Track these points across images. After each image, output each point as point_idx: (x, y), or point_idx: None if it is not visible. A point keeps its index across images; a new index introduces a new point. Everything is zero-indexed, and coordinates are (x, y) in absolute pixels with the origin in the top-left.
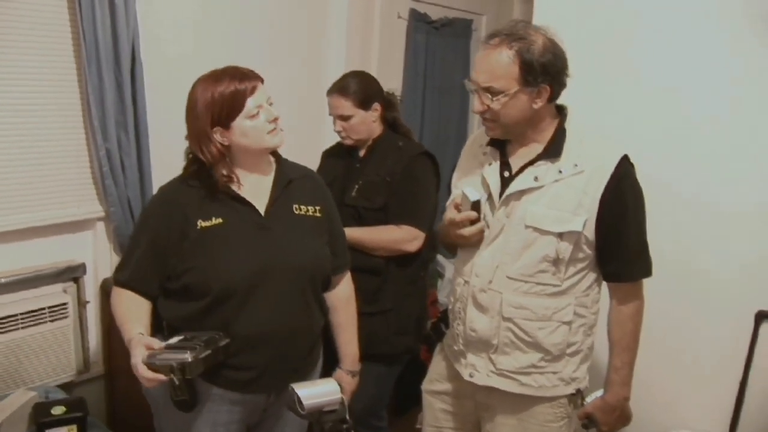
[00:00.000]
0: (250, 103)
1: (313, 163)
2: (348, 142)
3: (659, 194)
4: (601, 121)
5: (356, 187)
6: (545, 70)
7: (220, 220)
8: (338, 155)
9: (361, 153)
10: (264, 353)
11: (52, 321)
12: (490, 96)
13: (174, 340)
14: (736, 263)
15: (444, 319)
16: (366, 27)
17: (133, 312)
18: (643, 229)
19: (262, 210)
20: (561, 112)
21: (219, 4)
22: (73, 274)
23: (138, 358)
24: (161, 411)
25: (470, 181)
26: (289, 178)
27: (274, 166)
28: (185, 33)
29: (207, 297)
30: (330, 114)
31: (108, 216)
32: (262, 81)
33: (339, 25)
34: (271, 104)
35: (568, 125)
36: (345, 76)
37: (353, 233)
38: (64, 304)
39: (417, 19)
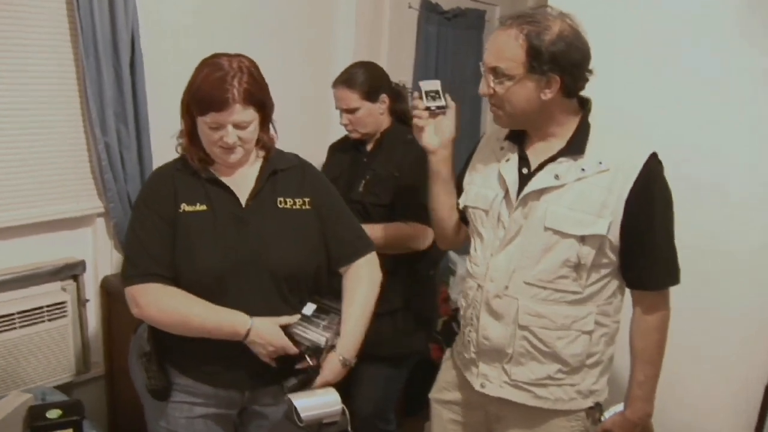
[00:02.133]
0: (212, 117)
1: (320, 157)
2: (355, 135)
3: (681, 188)
4: (618, 112)
5: (363, 182)
6: (554, 59)
7: (204, 208)
8: (345, 149)
9: (369, 147)
10: (230, 349)
11: (50, 320)
12: (494, 78)
13: (309, 309)
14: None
15: (456, 317)
16: (375, 17)
17: (201, 300)
18: (671, 234)
19: (243, 201)
20: (584, 106)
21: None
22: (72, 271)
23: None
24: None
25: (486, 177)
26: (274, 169)
27: (260, 158)
28: (187, 22)
29: (181, 284)
30: (336, 107)
31: (108, 212)
32: (245, 103)
33: (347, 15)
34: (242, 128)
35: (593, 120)
36: (351, 67)
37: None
38: (63, 302)
39: (428, 10)
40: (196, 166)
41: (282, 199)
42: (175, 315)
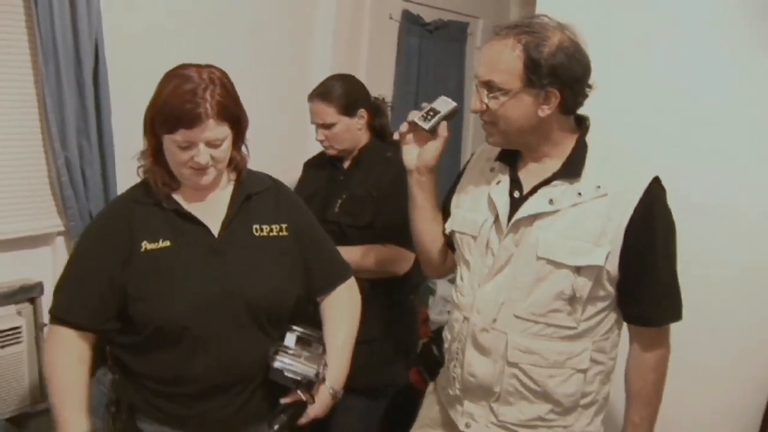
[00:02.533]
0: (182, 134)
1: (296, 174)
2: (331, 152)
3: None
4: (609, 125)
5: (339, 201)
6: (553, 72)
7: (167, 243)
8: (320, 166)
9: (346, 164)
10: (209, 390)
11: (3, 347)
12: (488, 93)
13: (290, 341)
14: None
15: (436, 340)
16: (355, 28)
17: (73, 386)
18: (674, 265)
19: (216, 231)
20: (582, 124)
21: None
22: (28, 294)
23: None
24: None
25: (475, 200)
26: (247, 193)
27: (233, 180)
28: (155, 30)
29: (147, 330)
30: (311, 122)
31: (68, 231)
32: (218, 118)
33: (326, 26)
34: (215, 146)
35: (590, 139)
36: (327, 80)
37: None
38: (18, 327)
39: (410, 21)
40: (159, 191)
41: (258, 226)
42: (50, 380)
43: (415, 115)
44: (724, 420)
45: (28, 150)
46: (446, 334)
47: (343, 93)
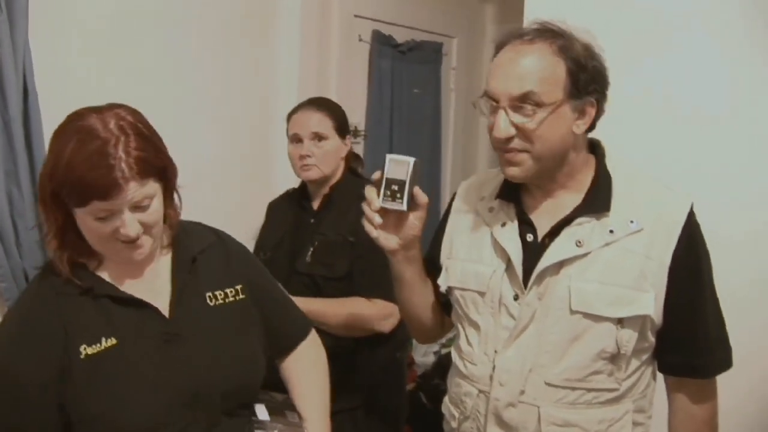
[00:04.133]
0: (97, 206)
1: (260, 211)
2: (312, 175)
3: None
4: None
5: (311, 249)
6: (594, 78)
7: (113, 341)
8: (287, 208)
9: (315, 203)
10: None
11: None
12: (530, 109)
13: (263, 413)
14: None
15: (423, 386)
16: (322, 51)
17: None
18: (719, 305)
19: (165, 310)
20: (596, 149)
21: (138, 24)
22: None
23: None
24: None
25: (474, 249)
26: (191, 256)
27: (168, 243)
28: (97, 57)
29: None
30: (296, 133)
31: (0, 294)
32: (141, 177)
33: (290, 50)
34: (144, 209)
35: (610, 165)
36: (314, 98)
37: (311, 305)
38: None
39: (381, 43)
40: (66, 274)
41: (211, 294)
42: None
43: (375, 199)
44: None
45: None
46: (450, 411)
47: (337, 109)
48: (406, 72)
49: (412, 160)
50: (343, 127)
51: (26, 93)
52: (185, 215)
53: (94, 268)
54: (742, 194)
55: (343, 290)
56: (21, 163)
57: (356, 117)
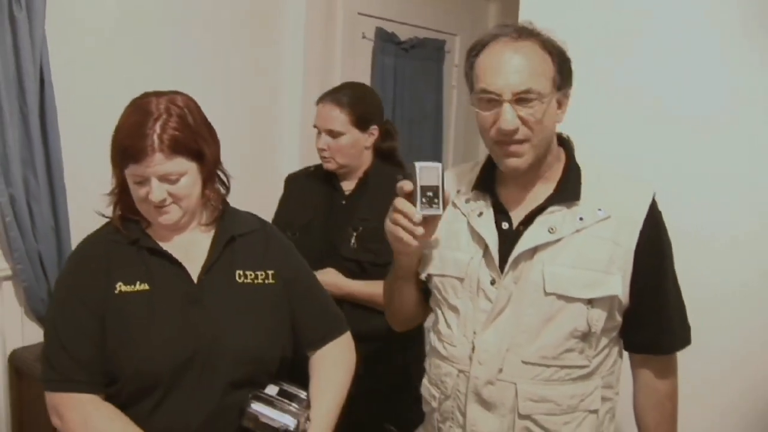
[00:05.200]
0: (132, 169)
1: (265, 203)
2: (329, 165)
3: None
4: (593, 147)
5: (354, 235)
6: (570, 73)
7: (145, 287)
8: (314, 186)
9: (347, 186)
10: None
11: None
12: (533, 102)
13: (272, 390)
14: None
15: None
16: (326, 48)
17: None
18: (679, 287)
19: (195, 275)
20: (565, 142)
21: (147, 22)
22: None
23: None
24: None
25: (452, 237)
26: (231, 235)
27: (214, 221)
28: (109, 52)
29: (118, 383)
30: (315, 125)
31: (16, 274)
32: (170, 152)
33: (296, 47)
34: (172, 181)
35: (579, 158)
36: (344, 85)
37: (367, 288)
38: None
39: (384, 40)
40: (116, 223)
41: (241, 272)
42: None
43: (414, 211)
44: (726, 421)
45: None
46: (430, 392)
47: (358, 102)
48: (408, 69)
49: (439, 164)
50: (363, 119)
51: (43, 85)
52: None
53: (145, 226)
54: (742, 194)
55: (385, 274)
56: (37, 152)
57: None
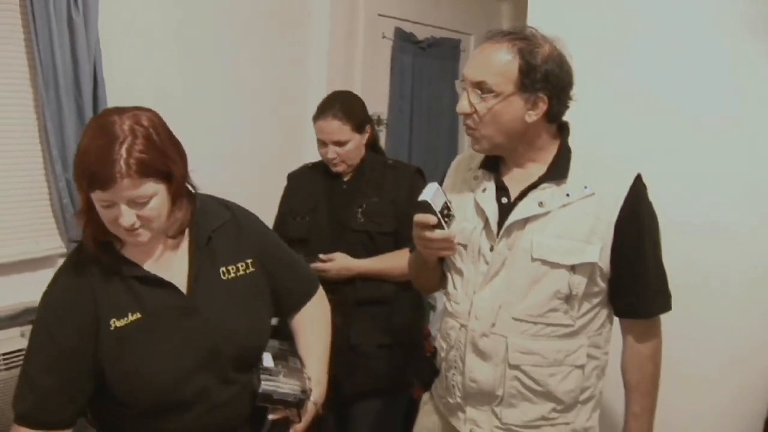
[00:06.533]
0: (99, 195)
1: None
2: (340, 169)
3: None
4: (599, 140)
5: (359, 210)
6: (546, 78)
7: (138, 316)
8: (314, 178)
9: (345, 175)
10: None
11: (7, 369)
12: (480, 94)
13: (268, 360)
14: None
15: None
16: (349, 47)
17: None
18: (660, 258)
19: (183, 286)
20: (563, 130)
21: (190, 23)
22: (31, 316)
23: None
24: None
25: (461, 209)
26: (208, 235)
27: (186, 227)
28: (152, 52)
29: (137, 407)
30: (320, 138)
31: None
32: (138, 176)
33: (320, 46)
34: (142, 204)
35: (572, 143)
36: (333, 98)
37: (380, 264)
38: (22, 350)
39: (402, 39)
40: (91, 249)
41: (224, 269)
42: None
43: (449, 234)
44: (723, 428)
45: (30, 173)
46: (440, 344)
47: (356, 111)
48: (425, 67)
49: (436, 183)
50: (361, 124)
51: (96, 82)
52: (227, 197)
53: (120, 247)
54: (743, 192)
55: (390, 243)
56: None
57: (379, 107)
